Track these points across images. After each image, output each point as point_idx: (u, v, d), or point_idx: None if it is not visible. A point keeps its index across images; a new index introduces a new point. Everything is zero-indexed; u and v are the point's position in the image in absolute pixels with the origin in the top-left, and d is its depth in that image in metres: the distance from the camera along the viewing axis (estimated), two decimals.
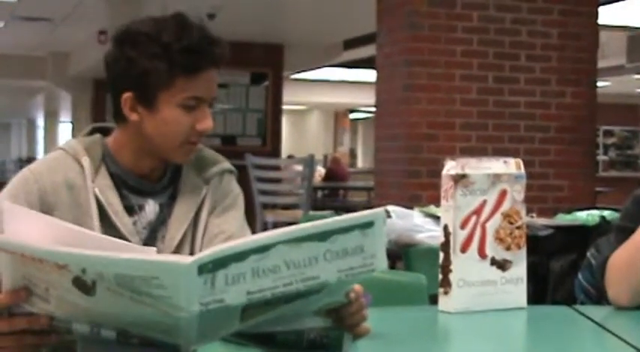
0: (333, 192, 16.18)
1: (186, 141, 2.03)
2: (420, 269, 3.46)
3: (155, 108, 1.99)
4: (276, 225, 8.46)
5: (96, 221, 1.98)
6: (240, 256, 1.32)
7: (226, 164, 2.18)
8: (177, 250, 2.05)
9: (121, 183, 2.06)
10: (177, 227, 2.06)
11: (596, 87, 6.93)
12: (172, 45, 1.96)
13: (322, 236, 1.41)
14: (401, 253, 4.19)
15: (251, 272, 1.34)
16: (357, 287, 1.58)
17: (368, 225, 1.46)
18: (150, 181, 2.09)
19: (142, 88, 1.99)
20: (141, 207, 2.07)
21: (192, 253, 2.06)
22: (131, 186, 2.07)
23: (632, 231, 2.30)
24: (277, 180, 9.32)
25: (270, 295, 1.38)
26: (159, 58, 1.96)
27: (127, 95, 2.00)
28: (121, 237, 1.98)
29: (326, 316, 1.57)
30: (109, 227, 1.99)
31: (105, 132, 2.12)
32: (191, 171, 2.12)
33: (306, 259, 1.39)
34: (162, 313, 1.32)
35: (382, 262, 1.49)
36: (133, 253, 1.36)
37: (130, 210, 2.05)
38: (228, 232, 2.09)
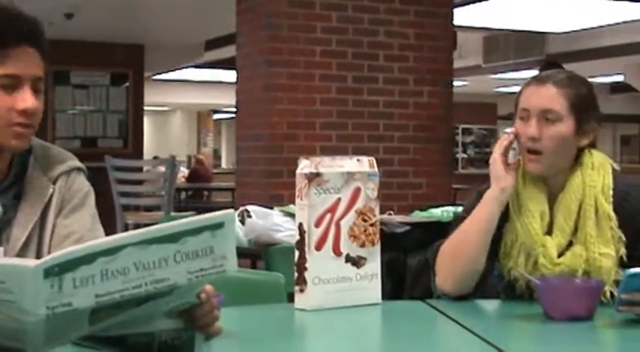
0: (196, 193, 16.10)
1: (11, 124, 1.94)
2: (279, 268, 3.48)
3: None
4: (138, 227, 8.36)
5: None
6: (88, 259, 1.31)
7: (74, 162, 2.11)
8: (23, 252, 1.98)
9: None
10: (21, 228, 2.00)
11: (452, 86, 7.09)
12: None
13: (172, 237, 1.40)
14: (261, 252, 4.20)
15: (100, 275, 1.33)
16: (208, 287, 1.57)
17: (218, 226, 1.46)
18: None
19: None
20: None
21: (39, 255, 2.00)
22: None
23: None
24: (139, 182, 9.20)
25: (119, 297, 1.36)
26: None
27: None
28: None
29: (177, 317, 1.56)
30: None
31: None
32: (37, 170, 2.05)
33: (156, 261, 1.39)
34: (7, 318, 1.29)
35: (233, 263, 1.49)
36: None
37: None
38: (79, 233, 2.03)
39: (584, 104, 2.35)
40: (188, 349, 1.59)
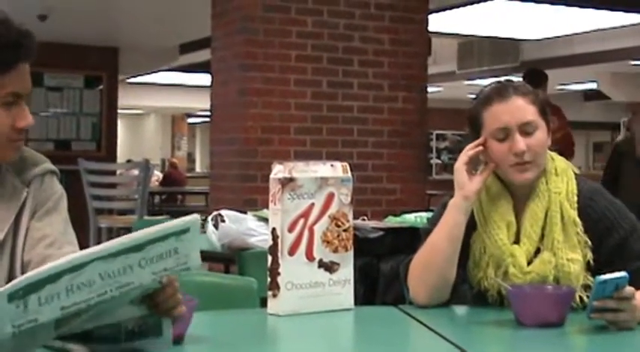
0: (170, 196, 16.06)
1: (9, 140, 1.96)
2: (253, 273, 3.47)
3: None
4: (111, 231, 8.34)
5: None
6: (53, 278, 1.33)
7: (48, 165, 2.10)
8: None
9: None
10: None
11: (427, 92, 7.10)
12: None
13: (138, 247, 1.42)
14: (235, 257, 4.19)
15: (65, 291, 1.34)
16: None
17: (183, 231, 1.47)
18: None
19: None
20: None
21: (13, 258, 1.99)
22: None
23: None
24: (112, 185, 9.17)
25: (85, 306, 1.38)
26: None
27: None
28: None
29: (140, 304, 1.57)
30: None
31: None
32: (10, 172, 2.03)
33: (121, 269, 1.40)
34: None
35: (196, 260, 1.51)
36: None
37: None
38: (52, 237, 2.02)
39: (546, 105, 2.38)
40: (154, 332, 1.59)
